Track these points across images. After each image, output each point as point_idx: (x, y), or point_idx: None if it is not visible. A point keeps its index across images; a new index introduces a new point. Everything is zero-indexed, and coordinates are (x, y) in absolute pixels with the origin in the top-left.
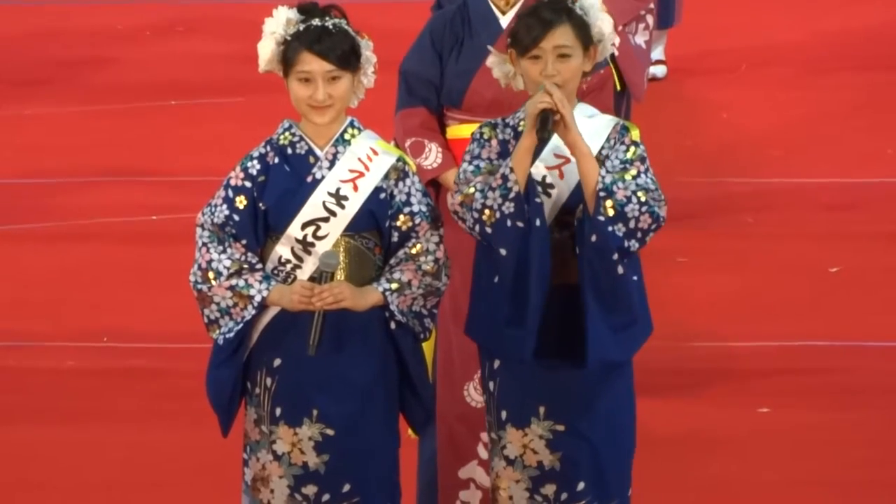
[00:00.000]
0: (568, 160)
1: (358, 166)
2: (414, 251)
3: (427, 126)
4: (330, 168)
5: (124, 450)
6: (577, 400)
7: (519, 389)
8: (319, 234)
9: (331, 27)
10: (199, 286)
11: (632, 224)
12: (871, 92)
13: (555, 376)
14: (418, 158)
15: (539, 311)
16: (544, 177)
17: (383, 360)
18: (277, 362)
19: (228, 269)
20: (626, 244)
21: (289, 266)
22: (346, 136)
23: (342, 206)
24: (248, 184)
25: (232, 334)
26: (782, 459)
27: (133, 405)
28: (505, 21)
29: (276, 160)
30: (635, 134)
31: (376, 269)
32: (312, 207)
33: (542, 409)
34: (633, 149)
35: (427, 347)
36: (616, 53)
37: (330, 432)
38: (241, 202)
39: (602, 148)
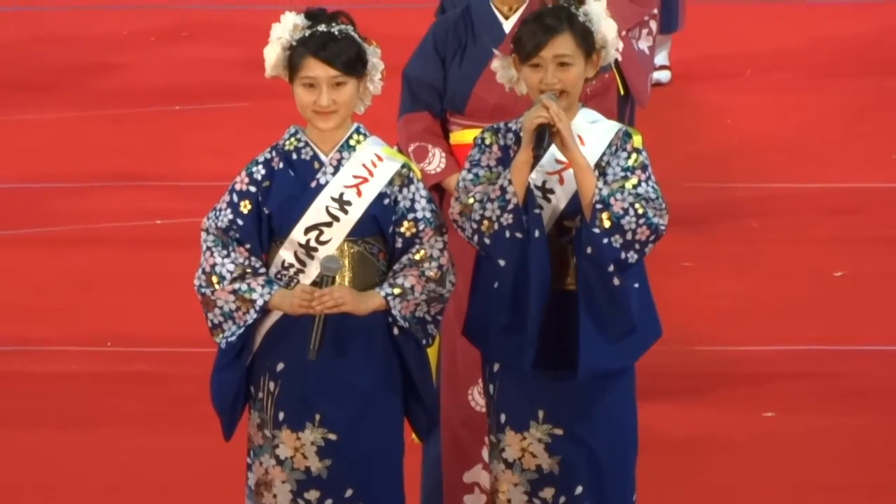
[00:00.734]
0: (569, 166)
1: (362, 172)
2: (418, 257)
3: (430, 131)
4: (334, 173)
5: (128, 454)
6: (576, 404)
7: (518, 393)
8: (322, 238)
9: (336, 33)
10: (203, 290)
11: (629, 236)
12: (876, 97)
13: (554, 380)
14: (421, 163)
15: (538, 321)
16: (544, 182)
17: (386, 365)
18: (280, 366)
19: (232, 273)
20: (622, 256)
21: (292, 270)
22: (352, 142)
23: (345, 212)
24: (252, 188)
25: (234, 338)
26: (787, 463)
27: (137, 409)
28: (508, 26)
29: (281, 165)
30: (637, 141)
31: (380, 275)
32: (315, 212)
33: (541, 413)
34: (634, 156)
35: (431, 352)
36: (619, 58)
37: (333, 437)
38: (245, 207)
39: (604, 154)
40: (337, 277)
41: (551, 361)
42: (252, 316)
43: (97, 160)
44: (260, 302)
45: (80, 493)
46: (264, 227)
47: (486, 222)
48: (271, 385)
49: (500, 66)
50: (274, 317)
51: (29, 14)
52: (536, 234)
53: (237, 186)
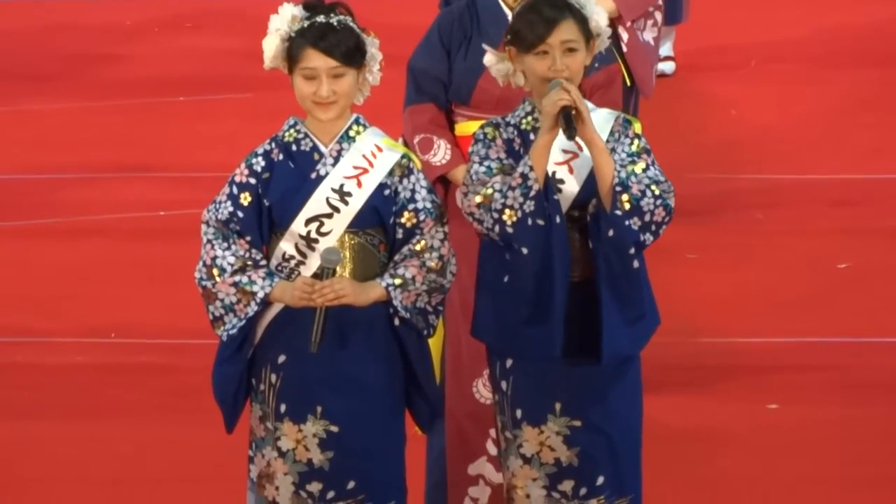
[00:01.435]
0: (576, 155)
1: (362, 163)
2: (418, 247)
3: (436, 122)
4: (334, 164)
5: (131, 446)
6: (592, 394)
7: (533, 387)
8: (323, 230)
9: (335, 24)
10: (204, 283)
11: (647, 217)
12: (881, 87)
13: (569, 372)
14: (427, 155)
15: (563, 308)
16: (554, 172)
17: (388, 356)
18: (282, 359)
19: (232, 265)
20: (641, 238)
21: (293, 262)
22: (351, 133)
23: (346, 203)
24: (252, 180)
25: (235, 331)
26: (791, 455)
27: (140, 401)
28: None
29: (281, 157)
30: (637, 127)
31: (381, 266)
32: (316, 203)
33: (558, 406)
34: (636, 141)
35: (436, 344)
36: (625, 49)
37: (334, 429)
38: (245, 199)
39: (606, 142)
40: (338, 269)
41: (565, 349)
42: (253, 308)
43: (101, 151)
44: (261, 294)
45: (82, 483)
46: (265, 218)
47: (508, 211)
48: (273, 377)
49: (493, 61)
50: (275, 309)
51: (33, 4)
52: (557, 219)
53: (237, 178)
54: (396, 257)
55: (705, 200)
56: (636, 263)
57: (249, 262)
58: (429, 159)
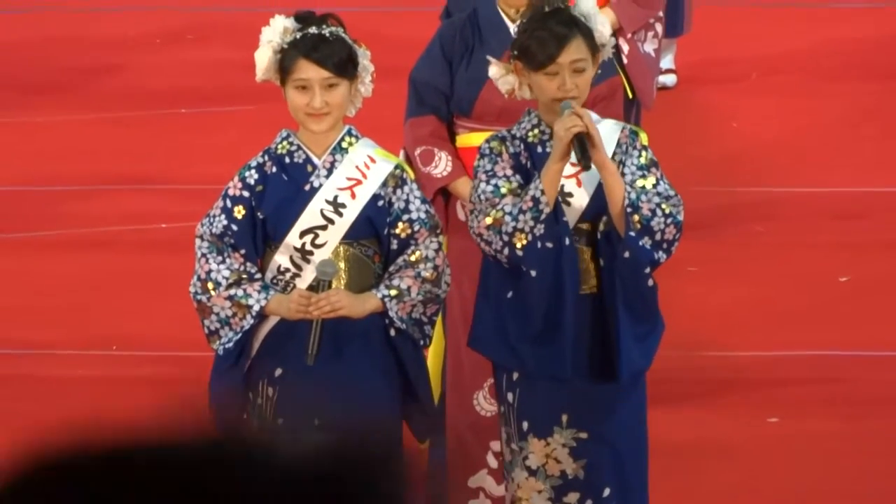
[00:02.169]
0: (582, 169)
1: (356, 174)
2: (413, 258)
3: (437, 134)
4: (327, 176)
5: None
6: (599, 406)
7: (540, 399)
8: (318, 242)
9: (327, 35)
10: (199, 297)
11: (657, 237)
12: (881, 101)
13: (576, 384)
14: (428, 167)
15: (574, 329)
16: (562, 185)
17: (384, 367)
18: (278, 372)
19: (227, 279)
20: (655, 256)
21: (288, 275)
22: (344, 145)
23: (340, 214)
24: (246, 193)
25: (231, 344)
26: (791, 469)
27: (143, 413)
28: (515, 29)
29: (274, 169)
30: (644, 138)
31: (376, 277)
32: (310, 215)
33: (564, 418)
34: (645, 153)
35: (436, 356)
36: (626, 61)
37: None
38: (239, 212)
39: (614, 154)
40: (333, 281)
41: (575, 364)
42: (249, 322)
43: (103, 163)
44: (256, 307)
45: None
46: (259, 231)
47: (518, 234)
48: (270, 391)
49: (499, 73)
50: (271, 322)
51: (34, 16)
52: (567, 241)
53: (230, 192)
54: (391, 268)
55: (706, 213)
56: (651, 282)
57: (244, 276)
58: (430, 171)
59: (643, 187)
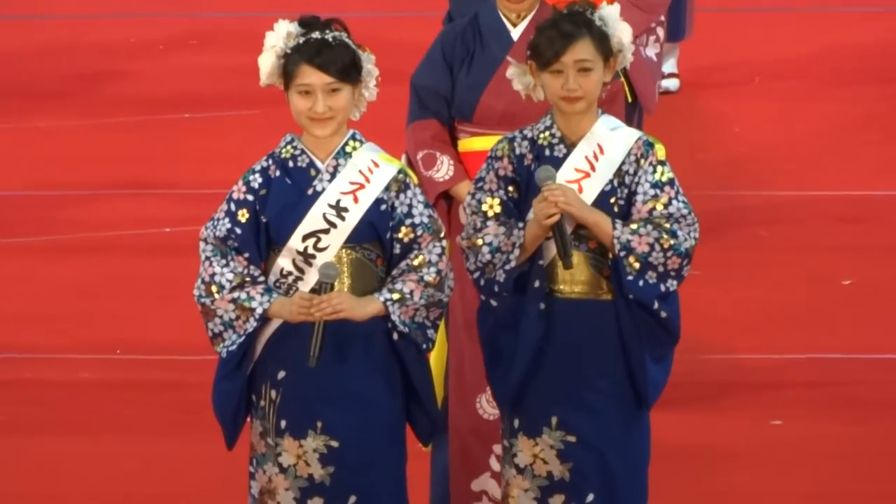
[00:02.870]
0: (587, 174)
1: (359, 178)
2: (416, 262)
3: (439, 138)
4: (331, 180)
5: (137, 462)
6: (589, 411)
7: (532, 399)
8: (320, 245)
9: (331, 40)
10: (203, 300)
11: (660, 269)
12: (884, 104)
13: (568, 387)
14: (430, 171)
15: (522, 373)
16: None
17: (387, 371)
18: (282, 375)
19: (231, 282)
20: (662, 288)
21: (291, 278)
22: (347, 149)
23: (342, 218)
24: (250, 197)
25: (235, 347)
26: (795, 471)
27: (145, 417)
28: (516, 33)
29: (278, 173)
30: (661, 153)
31: (378, 281)
32: (313, 219)
33: (554, 420)
34: (660, 169)
35: (439, 360)
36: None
37: (335, 444)
38: (243, 215)
39: (623, 163)
40: (336, 284)
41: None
42: (252, 324)
43: (106, 168)
44: (259, 310)
45: (86, 500)
46: (262, 235)
47: (489, 267)
48: (273, 393)
49: (516, 74)
50: (274, 325)
51: (37, 23)
52: (542, 306)
53: (234, 195)
54: (394, 272)
55: (709, 217)
56: (664, 314)
57: (248, 279)
58: (432, 175)
59: (652, 209)
